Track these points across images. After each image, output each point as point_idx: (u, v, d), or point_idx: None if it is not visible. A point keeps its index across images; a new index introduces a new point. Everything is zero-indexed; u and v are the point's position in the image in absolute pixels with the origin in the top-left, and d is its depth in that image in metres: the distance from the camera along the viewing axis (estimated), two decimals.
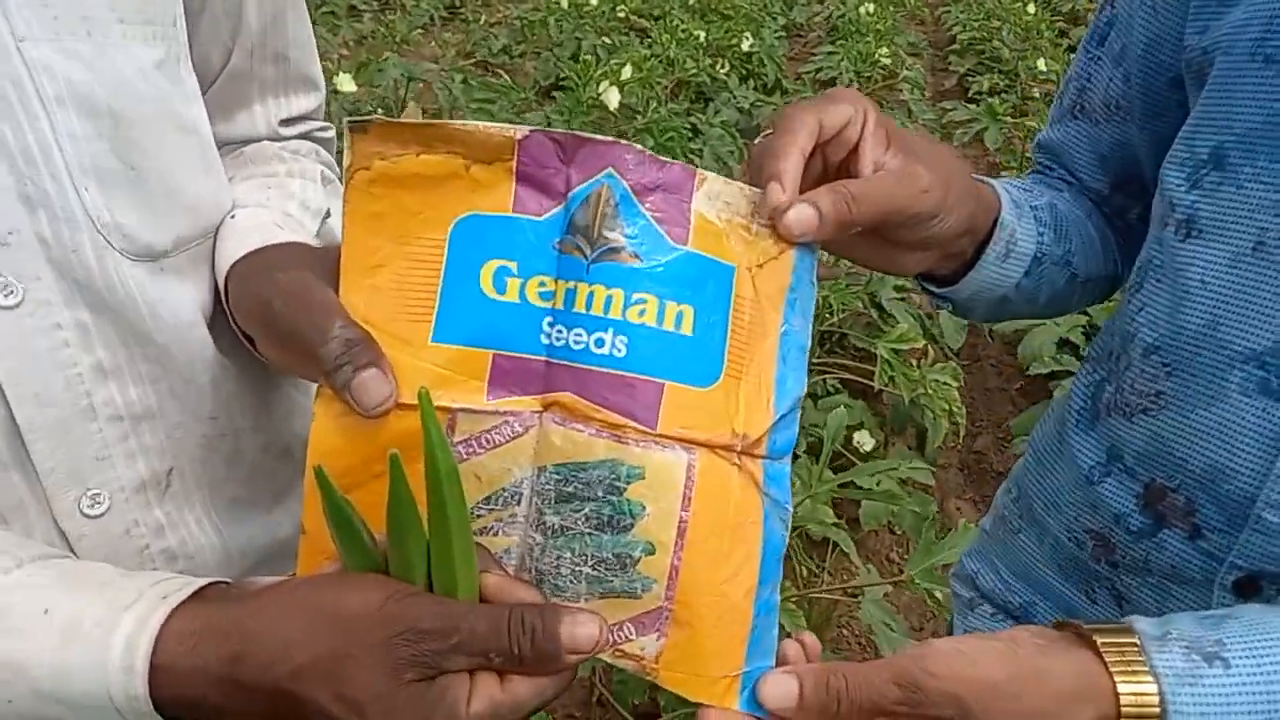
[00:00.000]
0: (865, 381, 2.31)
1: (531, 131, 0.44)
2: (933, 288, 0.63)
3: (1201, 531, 0.56)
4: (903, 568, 1.98)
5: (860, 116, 0.50)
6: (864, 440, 2.25)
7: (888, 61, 4.43)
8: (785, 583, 1.43)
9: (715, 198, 0.47)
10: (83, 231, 0.47)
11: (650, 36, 5.39)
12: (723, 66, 4.67)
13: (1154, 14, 0.63)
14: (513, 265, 0.46)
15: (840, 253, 0.57)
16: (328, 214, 0.65)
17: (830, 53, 5.06)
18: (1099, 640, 0.46)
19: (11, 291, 0.46)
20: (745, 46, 4.79)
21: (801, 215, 0.47)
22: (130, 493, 0.53)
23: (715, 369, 0.46)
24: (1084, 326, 2.59)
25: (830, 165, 0.52)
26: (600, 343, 0.45)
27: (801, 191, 0.48)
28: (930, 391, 2.14)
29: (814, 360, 2.43)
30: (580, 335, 0.45)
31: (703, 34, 4.93)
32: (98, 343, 0.49)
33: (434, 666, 0.40)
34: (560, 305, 0.45)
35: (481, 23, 6.42)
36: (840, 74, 4.63)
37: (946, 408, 2.14)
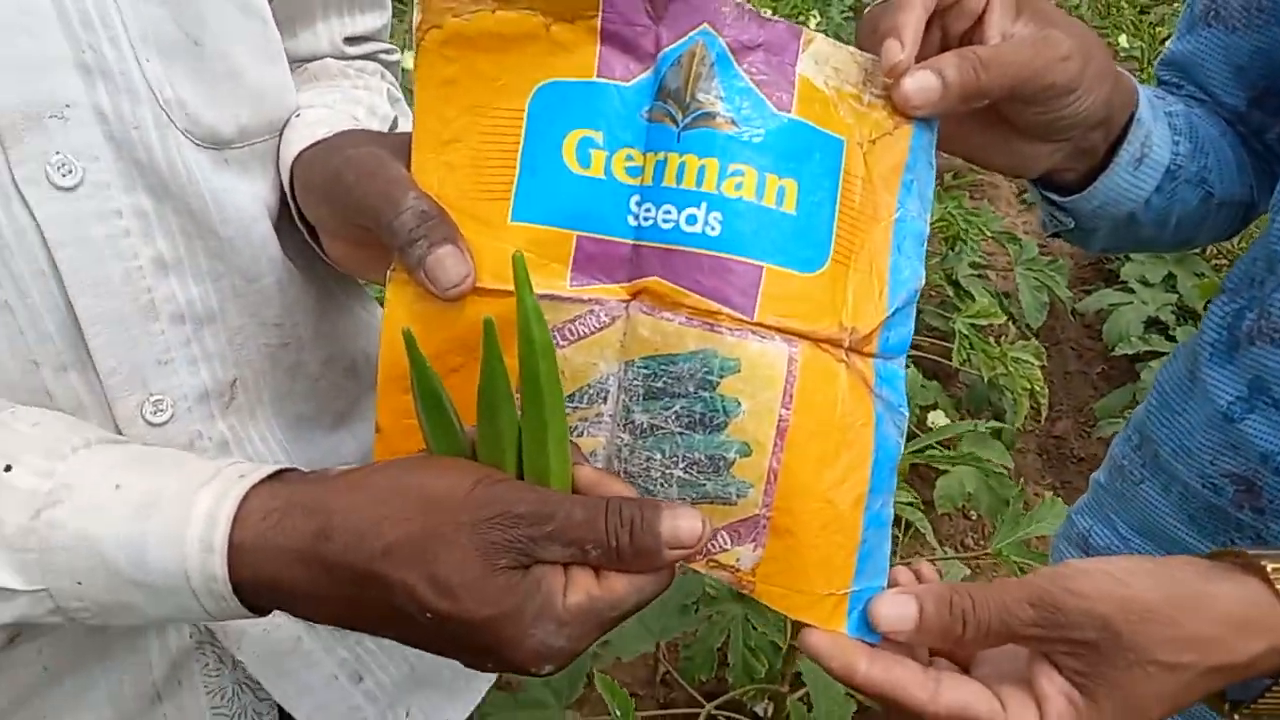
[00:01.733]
0: (941, 360, 2.22)
1: None
2: (1055, 196, 0.57)
3: None
4: (979, 553, 1.90)
5: None
6: (938, 421, 2.16)
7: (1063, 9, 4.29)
8: None
9: (824, 61, 0.42)
10: (144, 105, 0.44)
11: None
12: (818, 22, 4.58)
13: None
14: (598, 136, 0.41)
15: (955, 148, 0.51)
16: (395, 123, 0.62)
17: None
18: (1269, 566, 0.39)
19: (70, 171, 0.43)
20: (811, 24, 4.69)
21: (923, 82, 0.42)
22: (193, 401, 0.50)
23: (822, 252, 0.41)
24: (1174, 306, 2.46)
25: (952, 38, 0.46)
26: (692, 220, 0.40)
27: (921, 60, 0.43)
28: (1011, 370, 2.04)
29: None
30: (670, 212, 0.40)
31: (770, 9, 4.84)
32: (158, 232, 0.46)
33: (528, 555, 0.36)
34: (649, 181, 0.41)
35: None
36: None
37: (1028, 387, 2.04)
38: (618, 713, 0.99)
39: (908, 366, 1.87)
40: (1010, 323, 2.46)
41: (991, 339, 2.18)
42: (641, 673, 1.74)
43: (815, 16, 4.85)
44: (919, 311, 1.79)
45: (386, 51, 0.67)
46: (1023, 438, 2.43)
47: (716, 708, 1.42)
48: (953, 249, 2.48)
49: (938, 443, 1.70)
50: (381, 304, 0.59)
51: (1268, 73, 0.62)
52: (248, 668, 0.55)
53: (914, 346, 2.33)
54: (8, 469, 0.37)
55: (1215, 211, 0.64)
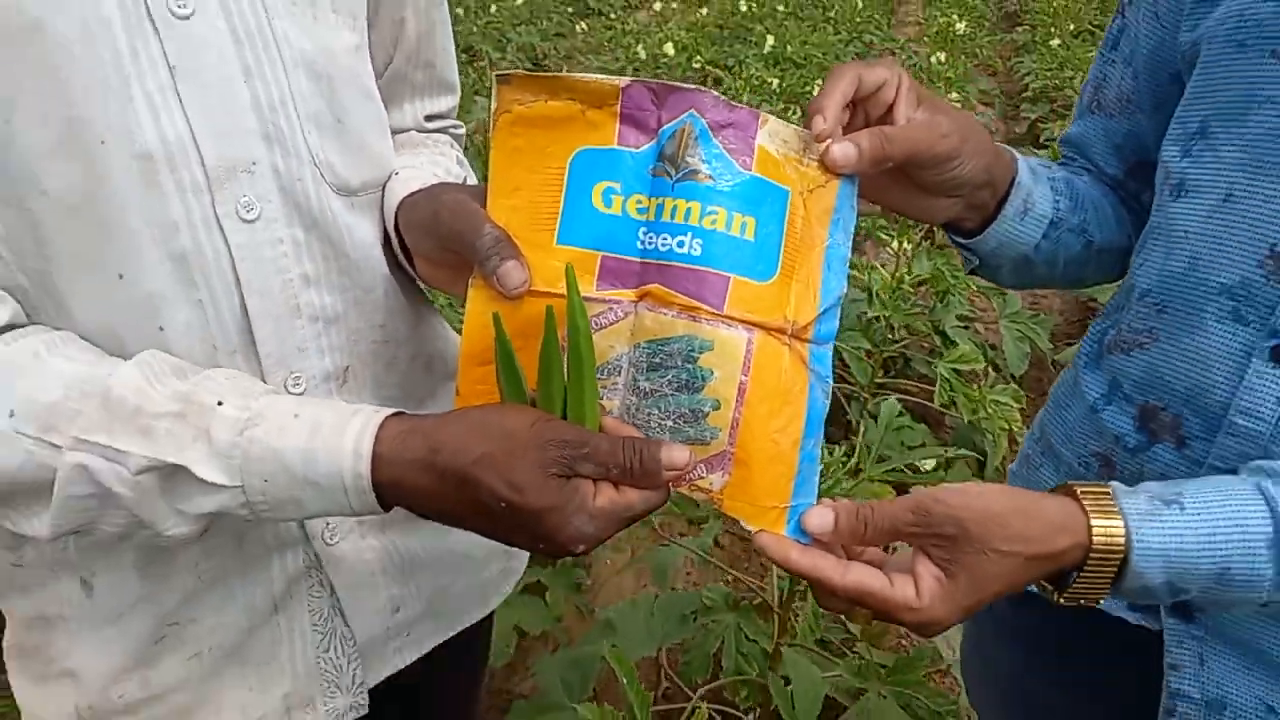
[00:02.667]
0: (929, 404, 2.39)
1: (632, 82, 0.58)
2: (960, 239, 0.75)
3: (1186, 441, 0.66)
4: None
5: (895, 80, 0.63)
6: (925, 463, 2.32)
7: (958, 107, 4.53)
8: None
9: (775, 135, 0.60)
10: (305, 165, 0.63)
11: (725, 84, 5.59)
12: (794, 112, 4.83)
13: (1157, 19, 0.74)
14: (617, 186, 0.59)
15: (878, 199, 0.69)
16: (464, 180, 0.80)
17: None
18: (1079, 490, 0.56)
19: (252, 209, 0.61)
20: (816, 92, 4.94)
21: (845, 150, 0.60)
22: (319, 380, 0.67)
23: (771, 268, 0.59)
24: None
25: (871, 120, 0.64)
26: (681, 244, 0.58)
27: (847, 134, 0.61)
28: (990, 412, 2.20)
29: (878, 382, 2.52)
30: (666, 239, 0.58)
31: (776, 81, 5.11)
32: (306, 256, 0.64)
33: (571, 469, 0.54)
34: (652, 218, 0.59)
35: (564, 74, 6.72)
36: None
37: (1006, 427, 2.20)
38: (633, 697, 1.13)
39: (901, 414, 2.00)
40: (994, 371, 2.62)
41: (974, 384, 2.34)
42: (645, 674, 1.87)
43: (820, 85, 5.11)
44: (908, 359, 1.99)
45: (455, 127, 0.86)
46: (1003, 476, 2.57)
47: (710, 705, 1.56)
48: (941, 302, 2.66)
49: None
50: (447, 319, 0.77)
51: (1138, 150, 0.81)
52: (337, 589, 0.71)
53: (904, 391, 2.49)
54: (219, 404, 0.55)
55: (1097, 256, 0.81)
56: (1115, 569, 0.55)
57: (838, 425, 2.35)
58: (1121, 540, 0.54)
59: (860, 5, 8.87)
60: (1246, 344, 0.62)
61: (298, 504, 0.55)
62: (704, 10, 8.80)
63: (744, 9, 8.19)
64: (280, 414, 0.55)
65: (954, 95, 4.58)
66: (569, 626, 1.88)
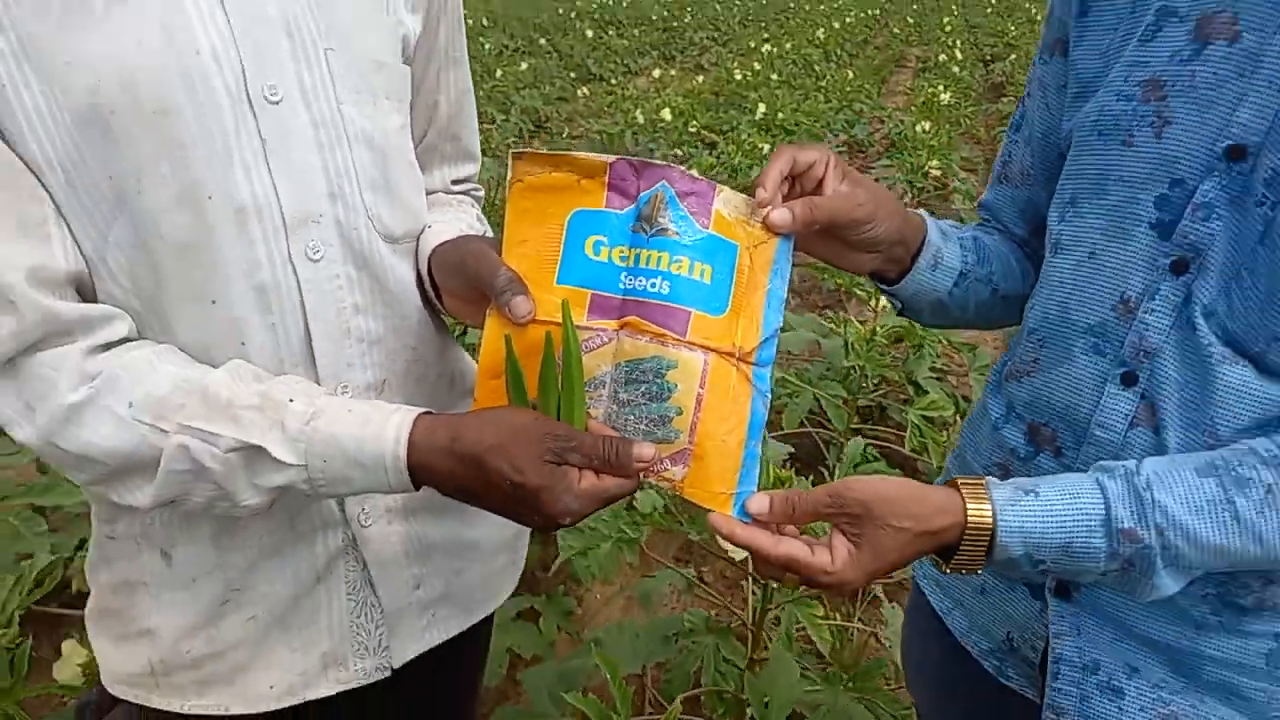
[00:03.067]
0: (902, 449, 2.54)
1: (617, 158, 0.75)
2: (884, 286, 0.92)
3: (1061, 451, 0.82)
4: None
5: (824, 159, 0.80)
6: None
7: (938, 173, 4.77)
8: (819, 617, 1.66)
9: (728, 202, 0.77)
10: (360, 217, 0.79)
11: (719, 148, 5.85)
12: None
13: (1047, 109, 0.92)
14: (604, 239, 0.76)
15: (812, 252, 0.86)
16: (484, 233, 0.97)
17: (887, 165, 5.44)
18: (960, 481, 0.72)
19: (317, 251, 0.77)
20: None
21: (781, 214, 0.76)
22: (362, 390, 0.83)
23: (724, 305, 0.75)
24: None
25: (804, 191, 0.81)
26: (654, 285, 0.74)
27: (786, 201, 0.78)
28: None
29: (854, 428, 2.67)
30: (642, 281, 0.74)
31: (767, 146, 5.35)
32: (357, 289, 0.80)
33: (561, 458, 0.69)
34: (631, 264, 0.75)
35: (565, 136, 7.02)
36: (896, 182, 4.98)
37: None
38: (615, 691, 1.26)
39: (875, 458, 2.16)
40: (963, 418, 2.78)
41: (944, 431, 2.50)
42: (630, 690, 1.99)
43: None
44: (884, 407, 2.19)
45: (475, 189, 1.03)
46: None
47: (686, 717, 1.68)
48: (915, 354, 2.83)
49: None
50: (464, 347, 0.93)
51: (1036, 215, 0.97)
52: (368, 565, 0.86)
53: (878, 437, 2.65)
54: (290, 400, 0.70)
55: (1003, 301, 0.98)
56: (987, 544, 0.70)
57: (815, 468, 2.49)
58: (990, 520, 0.70)
59: (851, 75, 9.23)
60: (1104, 372, 0.78)
61: (348, 481, 0.71)
62: (700, 79, 9.16)
63: (739, 78, 8.53)
64: (337, 409, 0.71)
65: (934, 162, 4.81)
66: (560, 651, 2.00)
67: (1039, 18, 16.13)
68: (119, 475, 0.71)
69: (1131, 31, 0.79)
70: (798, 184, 0.81)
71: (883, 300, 2.75)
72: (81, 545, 1.83)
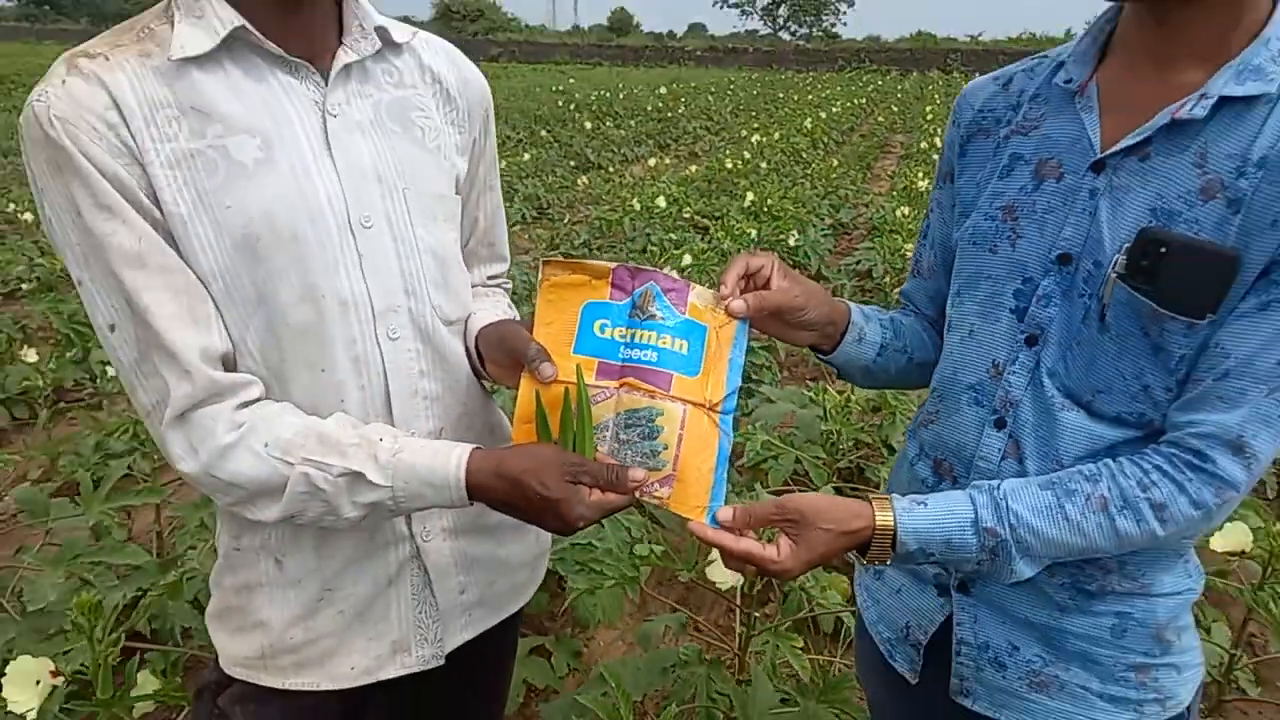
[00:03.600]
0: None
1: (618, 265, 1.04)
2: (821, 356, 1.19)
3: (957, 479, 1.08)
4: None
5: (770, 263, 1.09)
6: None
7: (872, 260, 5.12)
8: (800, 650, 1.89)
9: (700, 295, 1.05)
10: (427, 308, 1.07)
11: (710, 232, 6.21)
12: None
13: (943, 222, 1.21)
14: (608, 322, 1.04)
15: (765, 330, 1.14)
16: (515, 318, 1.25)
17: (868, 247, 5.79)
18: (871, 496, 0.98)
19: (396, 333, 1.05)
20: (792, 242, 5.55)
21: (738, 304, 1.05)
22: (424, 435, 1.09)
23: (697, 369, 1.02)
24: None
25: (756, 286, 1.09)
26: (645, 355, 1.02)
27: (743, 293, 1.06)
28: None
29: (835, 486, 2.92)
30: (637, 352, 1.02)
31: (755, 231, 5.72)
32: (423, 360, 1.08)
33: (576, 479, 0.95)
34: (628, 340, 1.03)
35: (565, 221, 7.41)
36: (875, 264, 5.32)
37: None
38: (619, 697, 1.49)
39: None
40: None
41: None
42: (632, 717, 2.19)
43: (795, 235, 5.71)
44: (862, 468, 2.55)
45: (505, 282, 1.32)
46: None
47: None
48: (890, 420, 3.10)
49: None
50: (499, 405, 1.20)
51: (941, 302, 1.25)
52: (428, 571, 1.11)
53: (859, 495, 2.90)
54: (380, 439, 0.97)
55: (918, 368, 1.25)
56: (890, 541, 0.96)
57: None
58: (891, 524, 0.96)
59: (837, 163, 9.71)
60: (983, 419, 1.05)
61: (421, 498, 0.97)
62: (694, 167, 9.65)
63: (730, 166, 9.00)
64: (414, 445, 0.98)
65: (911, 245, 5.16)
66: (569, 684, 2.22)
67: None
68: (255, 497, 0.97)
69: (994, 171, 1.08)
70: (751, 281, 1.10)
71: None
72: (144, 594, 2.07)
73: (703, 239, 6.08)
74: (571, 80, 27.03)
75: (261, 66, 0.97)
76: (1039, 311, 1.00)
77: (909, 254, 5.03)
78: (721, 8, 68.12)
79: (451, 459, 0.96)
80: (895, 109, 19.57)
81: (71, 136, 0.87)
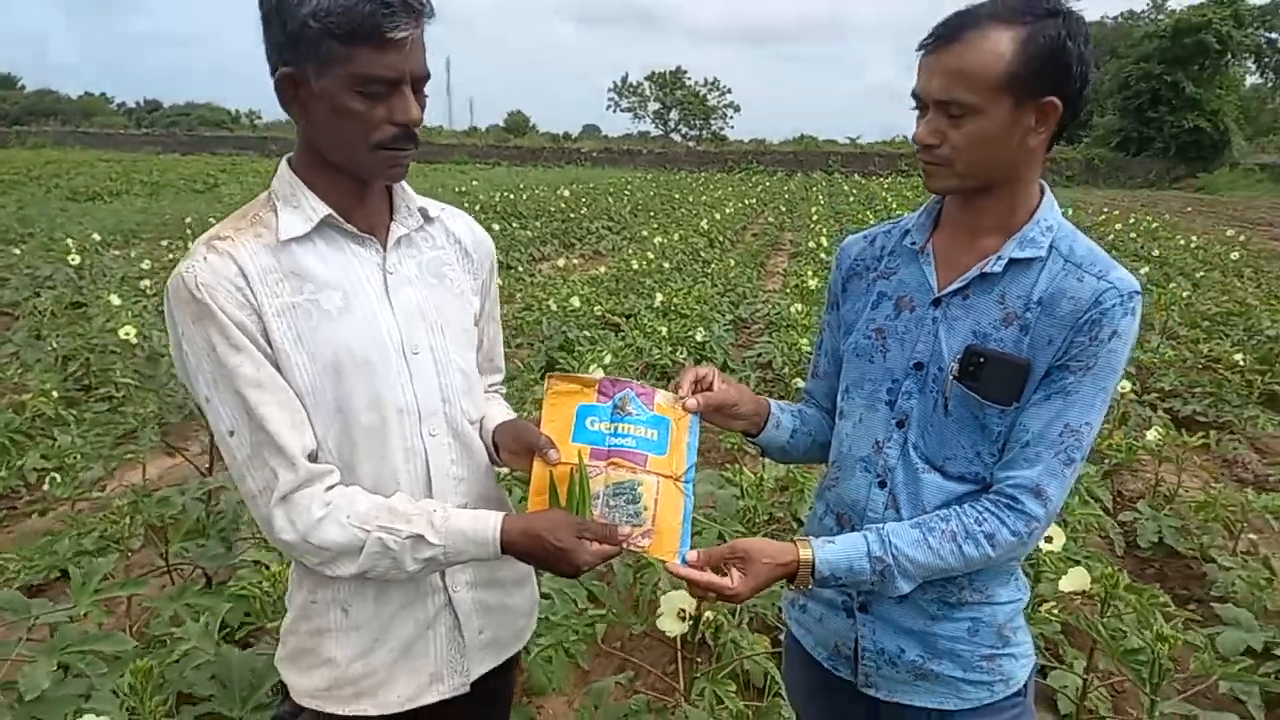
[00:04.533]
0: None
1: (603, 378, 1.42)
2: (750, 439, 1.59)
3: (854, 526, 1.47)
4: None
5: (712, 372, 1.48)
6: None
7: (808, 349, 5.66)
8: (731, 691, 2.22)
9: (664, 397, 1.43)
10: (458, 411, 1.41)
11: (623, 330, 6.66)
12: (681, 353, 5.88)
13: (833, 338, 1.63)
14: (597, 419, 1.40)
15: (711, 421, 1.52)
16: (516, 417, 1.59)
17: (767, 342, 6.34)
18: (795, 539, 1.36)
19: (435, 431, 1.38)
20: (699, 338, 6.04)
21: (692, 403, 1.43)
22: (456, 507, 1.41)
23: (665, 450, 1.39)
24: None
25: (703, 389, 1.48)
26: (626, 442, 1.38)
27: (695, 393, 1.44)
28: None
29: None
30: (619, 440, 1.38)
31: (665, 329, 6.19)
32: (454, 451, 1.41)
33: (580, 535, 1.29)
34: (612, 432, 1.39)
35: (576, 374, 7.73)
36: (774, 357, 5.84)
37: None
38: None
39: None
40: None
41: None
42: None
43: (702, 331, 6.20)
44: (777, 538, 3.02)
45: (502, 389, 1.67)
46: None
47: None
48: (798, 495, 3.51)
49: None
50: (506, 486, 1.55)
51: (834, 397, 1.67)
52: (458, 616, 1.42)
53: None
54: (434, 510, 1.30)
55: (820, 447, 1.65)
56: (810, 571, 1.34)
57: None
58: (811, 557, 1.33)
59: (733, 262, 10.41)
60: (870, 482, 1.45)
61: (466, 553, 1.29)
62: (603, 267, 10.19)
63: (636, 266, 9.56)
64: (459, 514, 1.31)
65: (804, 340, 5.71)
66: None
67: (895, 207, 18.30)
68: (338, 558, 1.27)
69: (867, 303, 1.51)
70: (699, 385, 1.48)
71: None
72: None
73: (616, 335, 6.52)
74: (475, 181, 27.70)
75: (339, 240, 1.32)
76: (904, 403, 1.42)
77: (804, 347, 5.57)
78: (615, 110, 71.22)
79: (490, 522, 1.30)
80: (783, 208, 20.87)
81: (211, 296, 1.20)
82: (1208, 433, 4.78)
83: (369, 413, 1.31)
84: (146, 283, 7.57)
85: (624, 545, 1.34)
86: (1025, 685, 1.46)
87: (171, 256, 10.23)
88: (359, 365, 1.30)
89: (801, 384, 2.36)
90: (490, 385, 1.65)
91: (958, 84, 1.25)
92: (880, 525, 1.37)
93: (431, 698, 1.41)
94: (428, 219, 1.44)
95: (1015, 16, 1.24)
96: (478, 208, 17.58)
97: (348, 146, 1.25)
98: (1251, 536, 4.25)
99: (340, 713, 1.36)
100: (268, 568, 2.31)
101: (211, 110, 68.85)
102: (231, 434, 1.24)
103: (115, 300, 5.81)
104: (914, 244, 1.45)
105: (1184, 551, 4.00)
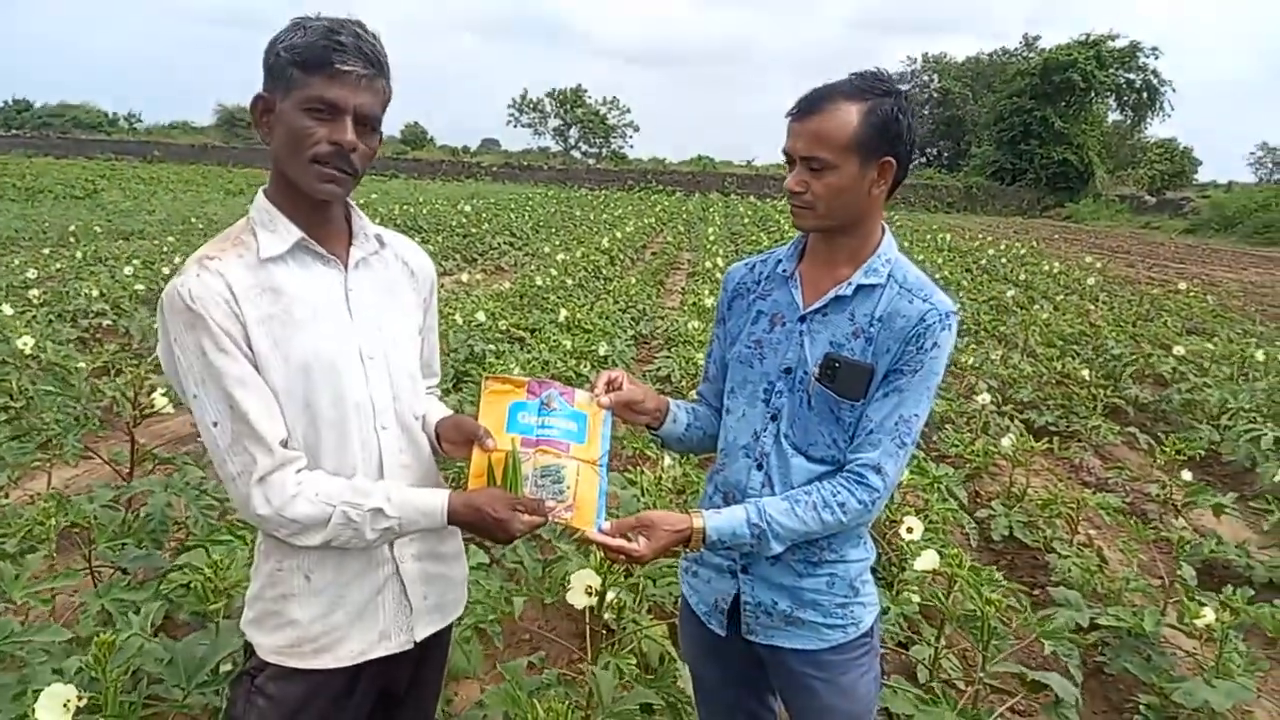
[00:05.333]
0: None
1: (531, 379, 1.69)
2: (651, 432, 1.89)
3: (737, 501, 1.79)
4: None
5: (622, 375, 1.77)
6: None
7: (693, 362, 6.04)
8: (632, 664, 2.51)
9: (581, 395, 1.71)
10: (405, 406, 1.64)
11: (529, 344, 6.89)
12: (585, 366, 6.17)
13: (720, 347, 1.95)
14: (527, 413, 1.67)
15: (621, 416, 1.81)
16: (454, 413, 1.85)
17: (666, 356, 6.69)
18: (690, 510, 1.67)
19: (386, 426, 1.62)
20: (602, 351, 6.34)
21: (605, 400, 1.72)
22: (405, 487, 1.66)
23: (583, 439, 1.68)
24: None
25: (615, 388, 1.77)
26: (551, 432, 1.66)
27: (607, 392, 1.74)
28: None
29: None
30: (546, 431, 1.66)
31: (569, 343, 6.46)
32: (403, 441, 1.65)
33: (513, 508, 1.56)
34: (539, 425, 1.67)
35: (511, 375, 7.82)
36: (673, 371, 6.19)
37: None
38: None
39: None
40: None
41: None
42: None
43: (604, 345, 6.51)
44: None
45: (437, 390, 1.93)
46: None
47: None
48: (696, 495, 3.83)
49: None
50: (445, 474, 1.81)
51: (721, 397, 1.98)
52: (405, 584, 1.67)
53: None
54: (390, 489, 1.55)
55: (710, 439, 1.96)
56: (702, 536, 1.64)
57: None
58: (703, 525, 1.64)
59: (634, 280, 10.76)
60: (750, 466, 1.77)
61: (417, 524, 1.54)
62: (507, 283, 10.39)
63: (539, 282, 9.81)
64: (411, 491, 1.56)
65: (700, 355, 6.09)
66: None
67: (788, 229, 19.09)
68: (307, 529, 1.50)
69: (748, 319, 1.84)
70: (611, 385, 1.77)
71: (667, 459, 3.78)
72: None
73: (521, 349, 6.76)
74: (374, 195, 27.34)
75: (309, 261, 1.56)
76: (777, 401, 1.75)
77: (699, 362, 5.95)
78: (515, 126, 71.24)
79: (438, 497, 1.55)
80: (681, 228, 21.44)
81: (204, 307, 1.43)
82: (1053, 440, 5.36)
83: (332, 409, 1.55)
84: (35, 292, 7.37)
85: (550, 517, 1.62)
86: (872, 628, 1.81)
87: (59, 266, 9.89)
88: (325, 368, 1.53)
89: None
90: (429, 387, 1.90)
91: (817, 145, 1.60)
92: (758, 499, 1.69)
93: (380, 652, 1.64)
94: (381, 244, 1.69)
95: (860, 94, 1.59)
96: (377, 221, 17.44)
97: (291, 157, 1.49)
98: (1090, 531, 4.83)
99: (302, 667, 1.59)
100: (200, 570, 2.47)
101: (87, 112, 65.32)
102: (215, 424, 1.46)
103: (8, 310, 5.70)
104: (785, 271, 1.79)
105: (1030, 544, 4.51)
